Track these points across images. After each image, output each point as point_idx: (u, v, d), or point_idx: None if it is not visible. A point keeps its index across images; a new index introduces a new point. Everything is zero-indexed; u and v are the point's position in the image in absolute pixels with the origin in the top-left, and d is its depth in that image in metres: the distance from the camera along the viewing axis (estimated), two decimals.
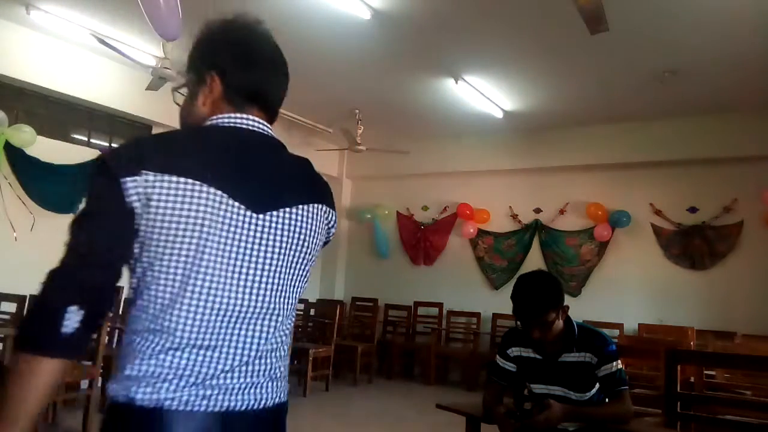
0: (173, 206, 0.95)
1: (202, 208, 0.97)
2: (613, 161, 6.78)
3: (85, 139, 5.87)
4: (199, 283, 0.96)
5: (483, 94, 5.95)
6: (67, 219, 0.99)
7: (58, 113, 5.61)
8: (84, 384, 3.97)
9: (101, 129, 5.98)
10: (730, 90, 5.49)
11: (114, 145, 6.09)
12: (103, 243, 0.95)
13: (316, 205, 1.14)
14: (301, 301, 7.20)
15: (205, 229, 0.97)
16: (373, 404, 5.99)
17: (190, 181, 0.97)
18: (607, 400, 2.29)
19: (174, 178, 0.96)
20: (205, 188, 0.97)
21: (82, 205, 0.98)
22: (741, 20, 4.14)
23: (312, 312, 6.83)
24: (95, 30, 4.82)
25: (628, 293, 6.68)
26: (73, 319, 0.89)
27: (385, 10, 4.27)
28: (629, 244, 6.80)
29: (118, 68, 5.68)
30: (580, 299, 6.88)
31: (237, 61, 1.13)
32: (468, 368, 6.91)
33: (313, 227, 1.12)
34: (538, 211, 7.43)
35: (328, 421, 5.13)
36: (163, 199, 0.95)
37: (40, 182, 5.26)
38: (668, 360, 2.47)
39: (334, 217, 1.21)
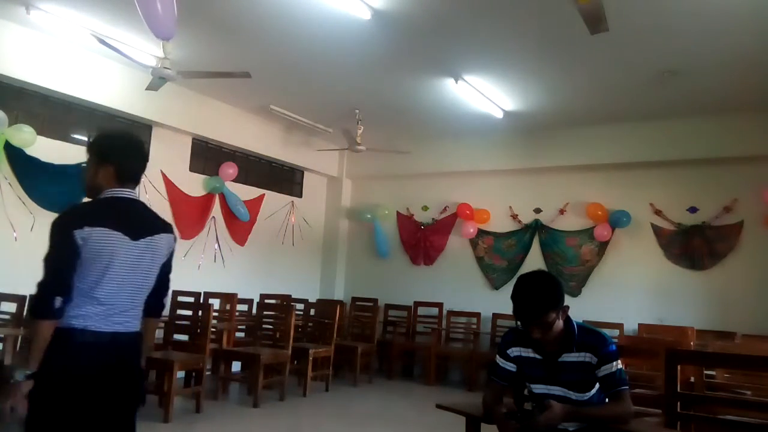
0: (98, 242, 1.95)
1: (111, 241, 1.99)
2: (613, 161, 6.78)
3: (85, 139, 5.86)
4: (109, 275, 2.00)
5: (483, 94, 5.95)
6: None
7: (58, 113, 5.61)
8: None
9: (101, 129, 5.98)
10: (730, 90, 5.49)
11: None
12: (65, 265, 1.93)
13: (162, 234, 2.17)
14: (301, 301, 7.27)
15: (112, 250, 1.99)
16: (373, 404, 6.00)
17: (105, 229, 1.97)
18: (607, 400, 2.29)
19: (98, 228, 1.96)
20: (112, 232, 1.99)
21: (49, 245, 1.93)
22: (741, 20, 4.14)
23: (312, 312, 6.82)
24: (95, 30, 4.82)
25: (628, 293, 6.68)
26: (57, 302, 1.89)
27: (385, 10, 4.27)
28: (629, 244, 6.80)
29: (118, 68, 5.69)
30: (580, 299, 6.88)
31: (124, 160, 2.11)
32: (468, 368, 6.91)
33: (162, 246, 2.17)
34: (538, 211, 7.43)
35: (328, 421, 5.12)
36: (94, 239, 1.95)
37: (40, 182, 5.25)
38: (668, 360, 2.47)
39: (173, 240, 2.24)
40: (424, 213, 8.30)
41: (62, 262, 1.92)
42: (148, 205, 2.23)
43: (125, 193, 2.10)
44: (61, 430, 1.92)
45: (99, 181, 2.09)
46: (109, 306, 2.00)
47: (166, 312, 5.57)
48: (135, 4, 3.66)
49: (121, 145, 2.15)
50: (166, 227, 2.21)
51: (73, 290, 1.94)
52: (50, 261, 1.93)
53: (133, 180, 2.14)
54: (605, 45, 4.59)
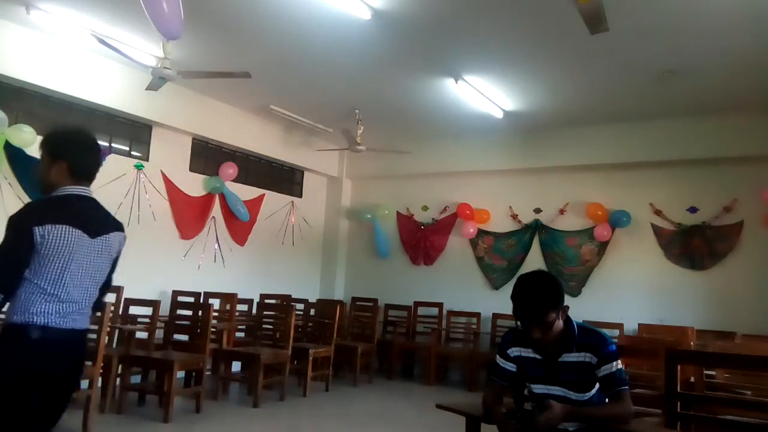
0: (57, 239, 1.98)
1: (70, 238, 2.02)
2: (613, 161, 6.78)
3: None
4: (69, 272, 2.03)
5: (483, 94, 5.95)
6: None
7: (58, 113, 5.60)
8: (84, 384, 3.96)
9: (101, 129, 5.96)
10: (729, 90, 5.49)
11: (114, 145, 6.11)
12: (17, 261, 1.95)
13: (115, 233, 2.22)
14: (301, 301, 7.26)
15: (72, 248, 2.03)
16: (373, 404, 5.99)
17: (64, 226, 2.00)
18: (607, 400, 2.29)
19: (57, 226, 1.99)
20: (71, 229, 2.02)
21: (3, 239, 1.94)
22: (741, 20, 4.13)
23: (312, 312, 6.82)
24: (95, 30, 4.82)
25: (628, 293, 6.68)
26: None
27: (385, 10, 4.27)
28: (629, 244, 6.80)
29: (118, 68, 5.69)
30: (580, 299, 6.88)
31: (77, 157, 2.12)
32: (468, 368, 6.91)
33: (115, 244, 2.23)
34: (538, 211, 7.43)
35: (328, 421, 5.13)
36: (53, 236, 1.98)
37: None
38: (668, 360, 2.47)
39: (124, 239, 2.29)
40: (424, 213, 8.30)
41: (11, 260, 1.95)
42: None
43: (80, 190, 2.12)
44: (21, 421, 1.96)
45: (52, 178, 2.10)
46: (68, 303, 2.04)
47: (165, 311, 5.63)
48: (137, 4, 3.66)
49: (74, 141, 2.17)
50: (118, 226, 2.26)
51: (13, 289, 1.96)
52: (1, 255, 1.95)
53: (88, 177, 2.16)
54: (605, 45, 4.59)
